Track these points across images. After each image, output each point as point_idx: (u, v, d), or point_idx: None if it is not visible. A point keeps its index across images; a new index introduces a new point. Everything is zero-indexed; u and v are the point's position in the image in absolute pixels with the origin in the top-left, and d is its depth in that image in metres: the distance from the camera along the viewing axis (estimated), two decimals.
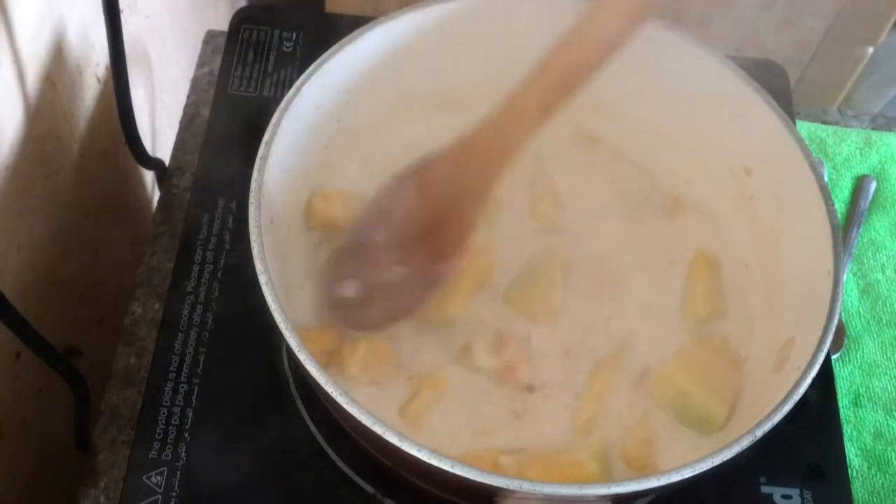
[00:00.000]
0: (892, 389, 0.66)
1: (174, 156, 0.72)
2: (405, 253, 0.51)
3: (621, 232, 0.60)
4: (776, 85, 0.69)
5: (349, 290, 0.50)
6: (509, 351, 0.54)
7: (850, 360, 0.67)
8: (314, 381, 0.43)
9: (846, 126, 0.80)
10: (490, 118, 0.48)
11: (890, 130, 0.79)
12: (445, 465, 0.41)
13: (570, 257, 0.59)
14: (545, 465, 0.50)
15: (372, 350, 0.53)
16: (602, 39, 0.44)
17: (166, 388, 0.55)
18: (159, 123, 0.79)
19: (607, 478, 0.50)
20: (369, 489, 0.53)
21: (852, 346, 0.68)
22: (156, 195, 0.78)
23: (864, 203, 0.74)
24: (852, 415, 0.64)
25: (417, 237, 0.50)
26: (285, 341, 0.44)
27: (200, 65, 0.77)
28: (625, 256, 0.59)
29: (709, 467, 0.42)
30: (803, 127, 0.78)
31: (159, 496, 0.51)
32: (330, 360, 0.53)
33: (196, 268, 0.59)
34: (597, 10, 0.44)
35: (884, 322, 0.69)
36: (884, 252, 0.72)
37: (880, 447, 0.63)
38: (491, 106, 0.62)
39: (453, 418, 0.53)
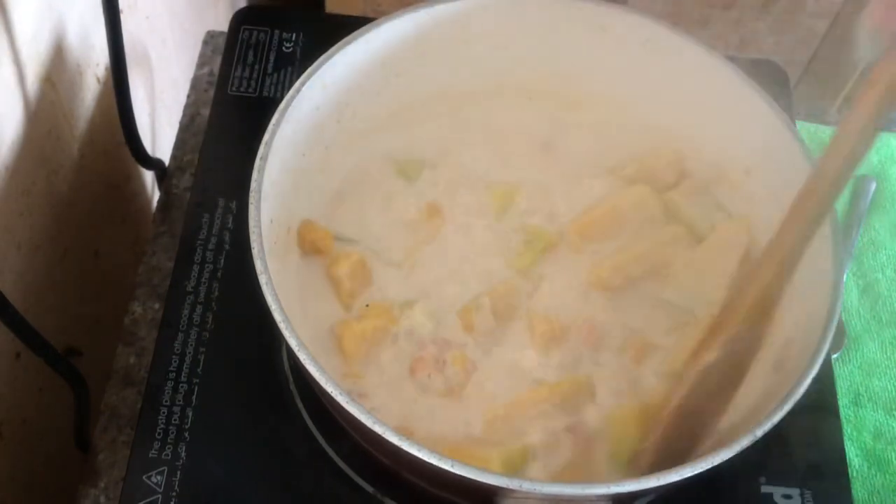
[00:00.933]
0: (893, 389, 0.66)
1: (174, 156, 0.72)
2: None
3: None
4: (776, 85, 0.70)
5: None
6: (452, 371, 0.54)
7: (850, 360, 0.67)
8: (314, 380, 0.43)
9: None
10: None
11: (889, 131, 0.79)
12: (445, 465, 0.41)
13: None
14: (456, 454, 0.51)
15: (361, 263, 0.56)
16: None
17: (166, 388, 0.55)
18: (159, 123, 0.79)
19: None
20: (369, 489, 0.53)
21: (852, 345, 0.68)
22: (156, 195, 0.78)
23: (864, 203, 0.74)
24: (852, 414, 0.64)
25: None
26: (285, 341, 0.44)
27: (200, 65, 0.77)
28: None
29: (709, 467, 0.42)
30: (803, 127, 0.78)
31: (159, 496, 0.51)
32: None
33: (196, 268, 0.59)
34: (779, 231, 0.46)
35: (884, 322, 0.69)
36: (883, 252, 0.72)
37: (880, 447, 0.63)
38: (490, 105, 0.63)
39: (391, 363, 0.54)
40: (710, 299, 0.56)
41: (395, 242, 0.59)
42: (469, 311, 0.56)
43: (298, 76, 0.53)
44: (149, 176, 0.79)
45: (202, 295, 0.58)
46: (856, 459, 0.62)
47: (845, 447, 0.57)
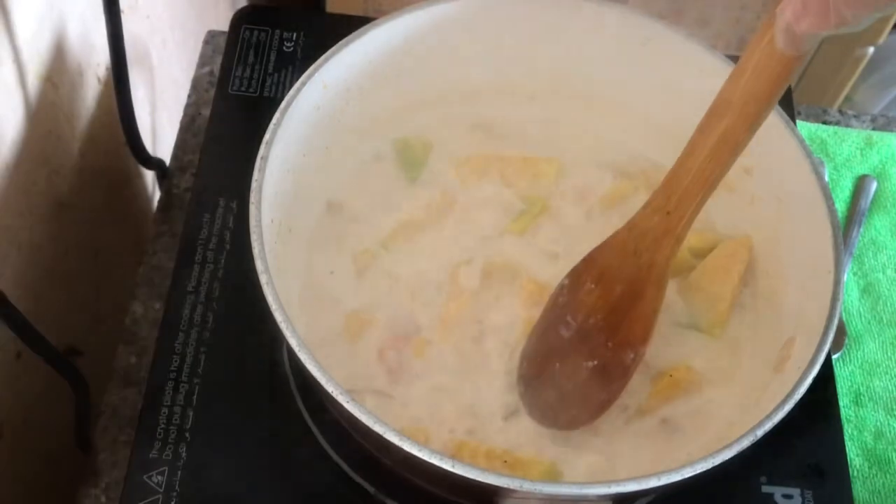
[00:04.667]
0: (893, 389, 0.66)
1: (175, 156, 0.72)
2: (591, 347, 0.51)
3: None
4: None
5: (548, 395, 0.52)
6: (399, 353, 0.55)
7: (850, 360, 0.67)
8: (315, 380, 0.43)
9: (847, 126, 0.80)
10: (651, 199, 0.48)
11: (890, 130, 0.79)
12: (446, 465, 0.41)
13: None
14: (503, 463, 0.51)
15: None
16: (747, 105, 0.44)
17: (167, 388, 0.55)
18: (160, 123, 0.79)
19: None
20: (369, 488, 0.53)
21: (853, 345, 0.68)
22: (156, 195, 0.78)
23: (865, 203, 0.74)
24: (853, 414, 0.64)
25: (601, 329, 0.51)
26: (285, 341, 0.44)
27: (201, 65, 0.77)
28: None
29: (709, 467, 0.42)
30: (804, 127, 0.78)
31: (160, 496, 0.51)
32: None
33: (197, 267, 0.59)
34: (737, 76, 0.43)
35: (884, 322, 0.69)
36: (884, 252, 0.72)
37: (881, 447, 0.63)
38: (492, 104, 0.63)
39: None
40: (709, 316, 0.57)
41: (396, 238, 0.59)
42: (458, 266, 0.57)
43: (299, 76, 0.53)
44: (149, 176, 0.79)
45: (203, 295, 0.58)
46: (857, 459, 0.62)
47: (846, 447, 0.57)
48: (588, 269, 0.52)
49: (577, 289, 0.52)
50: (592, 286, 0.51)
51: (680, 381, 0.54)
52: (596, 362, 0.51)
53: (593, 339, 0.51)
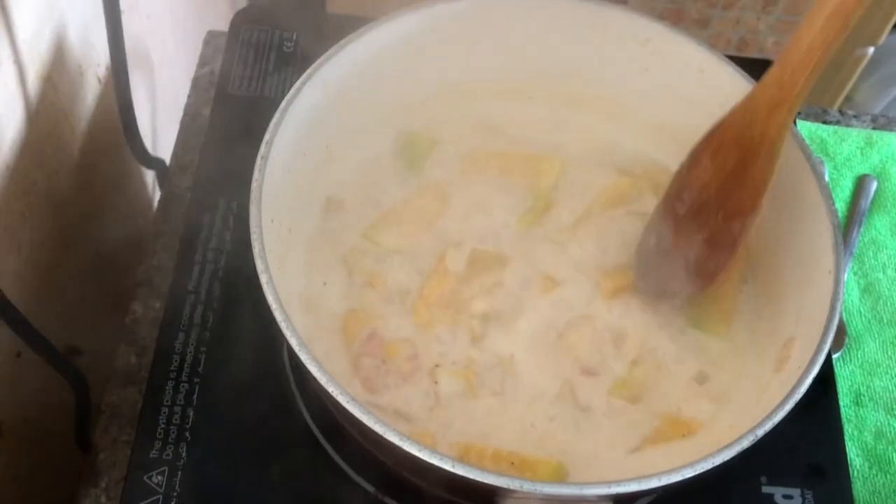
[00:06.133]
0: (893, 389, 0.66)
1: (175, 155, 0.72)
2: (703, 220, 0.54)
3: (620, 229, 0.60)
4: None
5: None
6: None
7: (850, 360, 0.67)
8: (315, 380, 0.43)
9: (847, 126, 0.80)
10: (766, 74, 0.50)
11: (891, 130, 0.79)
12: (446, 465, 0.41)
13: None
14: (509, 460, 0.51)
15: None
16: None
17: (167, 388, 0.55)
18: (160, 123, 0.79)
19: None
20: (369, 489, 0.53)
21: (853, 345, 0.68)
22: (156, 195, 0.78)
23: (865, 202, 0.74)
24: (853, 414, 0.64)
25: (713, 202, 0.53)
26: (286, 341, 0.44)
27: (201, 65, 0.77)
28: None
29: (710, 467, 0.42)
30: (804, 126, 0.78)
31: (160, 496, 0.51)
32: None
33: (197, 267, 0.59)
34: None
35: (885, 321, 0.69)
36: (885, 251, 0.72)
37: (881, 447, 0.63)
38: (492, 104, 0.63)
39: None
40: (713, 316, 0.57)
41: (397, 238, 0.59)
42: (447, 249, 0.58)
43: (299, 76, 0.53)
44: (150, 175, 0.79)
45: (203, 294, 0.58)
46: (857, 459, 0.62)
47: (846, 447, 0.57)
48: (706, 147, 0.54)
49: (694, 166, 0.54)
50: (708, 162, 0.53)
51: (686, 434, 0.54)
52: (707, 234, 0.53)
53: (705, 212, 0.53)
